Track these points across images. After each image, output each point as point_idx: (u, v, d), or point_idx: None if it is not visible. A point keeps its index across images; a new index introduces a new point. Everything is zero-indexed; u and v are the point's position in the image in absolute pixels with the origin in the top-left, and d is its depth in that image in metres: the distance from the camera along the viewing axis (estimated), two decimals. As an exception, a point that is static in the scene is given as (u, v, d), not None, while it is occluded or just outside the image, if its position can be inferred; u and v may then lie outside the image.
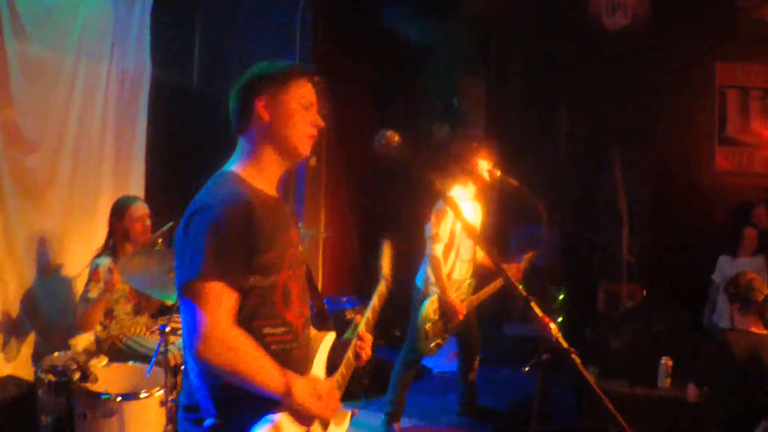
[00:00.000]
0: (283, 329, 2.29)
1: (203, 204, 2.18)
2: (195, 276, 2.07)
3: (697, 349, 4.83)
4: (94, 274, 4.55)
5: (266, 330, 2.24)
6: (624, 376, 5.34)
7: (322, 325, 2.67)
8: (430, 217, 5.10)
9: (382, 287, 3.05)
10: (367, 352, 2.74)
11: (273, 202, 2.35)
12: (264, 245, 2.20)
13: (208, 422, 2.16)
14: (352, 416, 2.66)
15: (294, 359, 2.31)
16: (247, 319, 2.19)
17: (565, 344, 1.98)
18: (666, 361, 5.17)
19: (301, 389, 2.21)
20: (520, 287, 2.06)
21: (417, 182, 2.31)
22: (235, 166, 2.35)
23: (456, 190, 5.12)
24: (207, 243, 2.08)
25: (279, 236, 2.29)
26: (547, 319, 1.98)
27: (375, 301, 2.98)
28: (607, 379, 5.28)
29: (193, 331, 2.05)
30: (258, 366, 2.13)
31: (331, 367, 2.60)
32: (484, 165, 5.12)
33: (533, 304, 1.99)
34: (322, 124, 2.39)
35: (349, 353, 2.68)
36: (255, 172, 2.34)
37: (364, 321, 2.84)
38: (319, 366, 2.50)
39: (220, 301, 2.08)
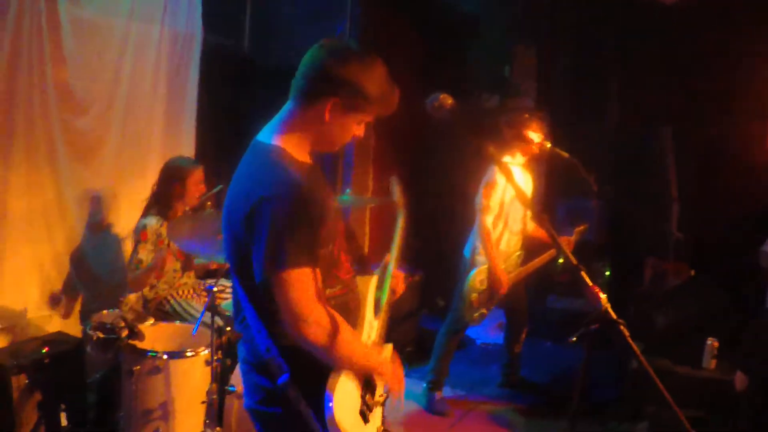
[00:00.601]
0: (339, 287, 2.46)
1: (266, 193, 2.19)
2: (285, 267, 2.16)
3: (743, 332, 4.75)
4: (142, 235, 4.58)
5: (328, 292, 2.37)
6: (667, 354, 5.28)
7: (364, 270, 2.87)
8: (480, 189, 5.08)
9: (402, 221, 3.16)
10: (401, 287, 2.92)
11: (315, 171, 2.41)
12: (324, 219, 2.28)
13: (282, 379, 2.31)
14: None
15: (351, 309, 2.52)
16: None
17: (614, 315, 1.96)
18: (712, 342, 5.10)
19: (384, 361, 2.54)
20: (572, 256, 2.04)
21: (468, 146, 2.29)
22: (277, 137, 2.36)
23: (510, 161, 5.08)
24: (287, 234, 2.16)
25: (330, 205, 2.37)
26: (597, 289, 1.96)
27: (398, 236, 3.09)
28: (650, 356, 5.22)
29: (291, 314, 2.19)
30: (352, 342, 2.36)
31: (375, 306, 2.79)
32: (533, 136, 5.07)
33: (584, 274, 1.97)
34: (361, 135, 2.45)
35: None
36: (294, 142, 2.36)
37: (394, 258, 2.93)
38: (369, 308, 2.68)
39: (310, 284, 2.20)
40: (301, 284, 2.18)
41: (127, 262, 4.75)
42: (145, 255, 4.55)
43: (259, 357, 2.39)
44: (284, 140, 2.35)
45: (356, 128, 2.39)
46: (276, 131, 2.37)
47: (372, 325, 2.67)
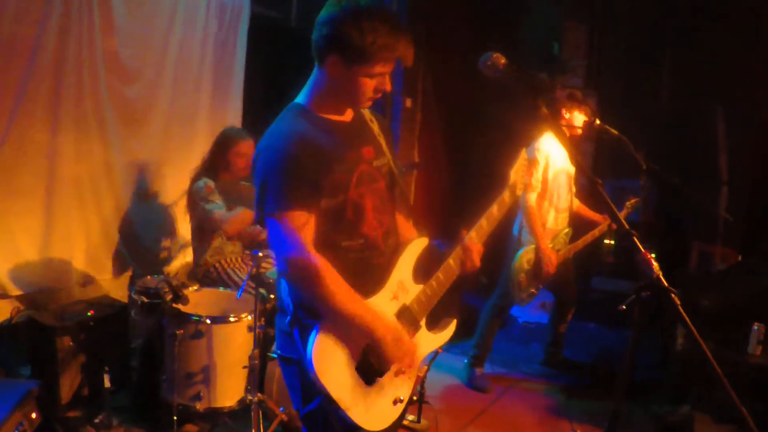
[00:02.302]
0: (360, 241, 2.47)
1: (267, 144, 2.35)
2: (277, 210, 2.27)
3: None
4: (207, 189, 4.56)
5: (344, 243, 2.43)
6: (712, 338, 5.20)
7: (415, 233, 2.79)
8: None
9: (505, 195, 2.86)
10: (473, 261, 2.72)
11: (337, 126, 2.46)
12: (327, 169, 2.34)
13: (288, 318, 2.43)
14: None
15: (374, 266, 2.51)
16: (327, 234, 2.37)
17: (665, 283, 1.92)
18: (759, 327, 5.01)
19: (383, 325, 2.37)
20: (624, 222, 2.00)
21: (516, 119, 2.26)
22: (303, 97, 2.47)
23: (551, 139, 5.02)
24: (278, 180, 2.28)
25: (345, 157, 2.41)
26: (649, 256, 1.92)
27: (494, 207, 2.82)
28: (695, 339, 5.12)
29: (281, 254, 2.30)
30: (342, 290, 2.30)
31: (426, 274, 2.65)
32: (581, 114, 5.02)
33: (636, 239, 1.93)
34: (388, 88, 2.42)
35: (450, 260, 2.69)
36: (321, 102, 2.44)
37: (475, 228, 2.76)
38: (403, 269, 2.59)
39: (301, 227, 2.28)
40: (292, 227, 2.26)
41: (204, 214, 4.58)
42: (221, 201, 4.56)
43: (280, 299, 2.51)
44: (310, 99, 2.44)
45: (370, 82, 2.36)
46: (304, 92, 2.48)
47: (404, 288, 2.57)
